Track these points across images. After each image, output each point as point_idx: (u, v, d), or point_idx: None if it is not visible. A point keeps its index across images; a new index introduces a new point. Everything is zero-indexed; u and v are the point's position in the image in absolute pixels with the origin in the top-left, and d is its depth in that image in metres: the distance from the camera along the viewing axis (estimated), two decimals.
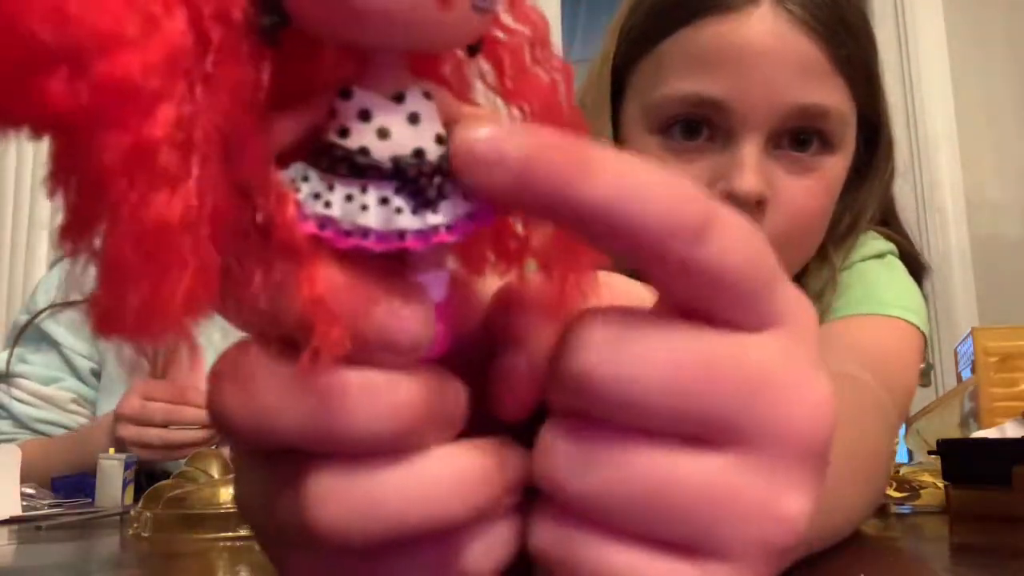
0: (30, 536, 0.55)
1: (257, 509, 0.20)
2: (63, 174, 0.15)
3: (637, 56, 0.59)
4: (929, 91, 1.88)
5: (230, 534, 0.47)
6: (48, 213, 1.83)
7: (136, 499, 0.59)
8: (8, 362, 1.07)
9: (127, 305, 0.15)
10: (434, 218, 0.17)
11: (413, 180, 0.17)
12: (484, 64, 0.19)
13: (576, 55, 3.90)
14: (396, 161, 0.17)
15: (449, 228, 0.17)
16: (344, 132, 0.17)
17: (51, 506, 0.71)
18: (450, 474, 0.18)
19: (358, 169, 0.17)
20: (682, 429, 0.18)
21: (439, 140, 0.17)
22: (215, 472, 0.53)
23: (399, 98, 0.17)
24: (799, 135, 0.56)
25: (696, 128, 0.56)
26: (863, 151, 0.64)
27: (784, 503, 0.18)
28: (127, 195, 0.15)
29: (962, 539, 0.46)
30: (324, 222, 0.17)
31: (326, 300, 0.16)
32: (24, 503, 0.67)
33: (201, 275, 0.15)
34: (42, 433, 1.05)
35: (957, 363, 0.92)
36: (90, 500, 0.75)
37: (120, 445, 0.88)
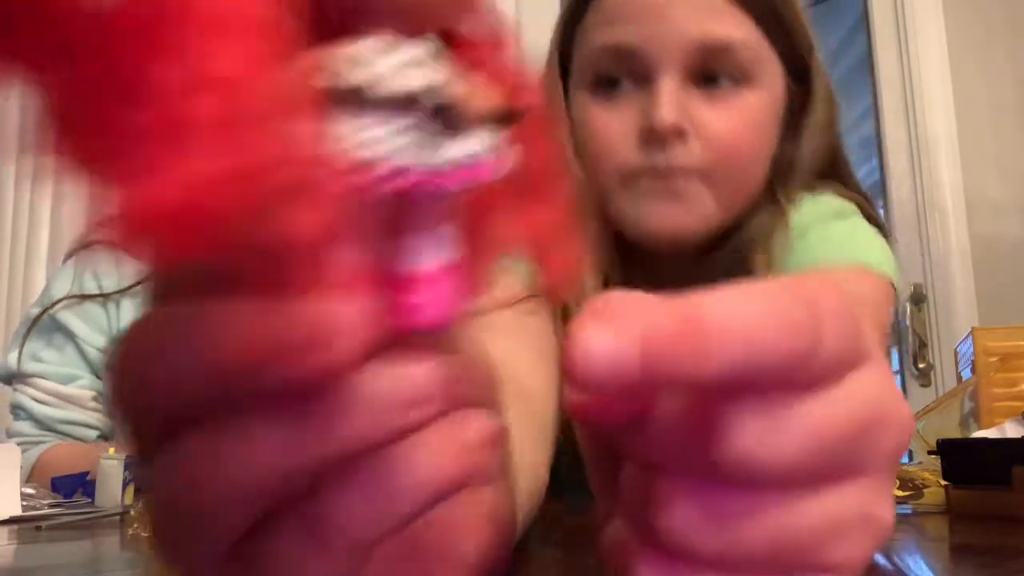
0: (30, 536, 0.55)
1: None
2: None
3: (571, 37, 0.66)
4: (929, 91, 1.88)
5: None
6: (48, 212, 1.83)
7: (136, 499, 0.59)
8: (19, 358, 1.06)
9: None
10: (471, 145, 0.16)
11: (443, 110, 0.16)
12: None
13: None
14: (427, 89, 0.16)
15: (480, 161, 0.17)
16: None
17: (51, 506, 0.71)
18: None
19: (390, 102, 0.16)
20: (813, 481, 0.19)
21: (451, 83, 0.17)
22: None
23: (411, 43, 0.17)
24: (712, 72, 0.60)
25: (617, 82, 0.62)
26: (799, 99, 0.67)
27: (882, 513, 0.20)
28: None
29: (962, 539, 0.46)
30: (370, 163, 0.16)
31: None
32: (24, 503, 0.67)
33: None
34: (65, 434, 1.03)
35: (957, 363, 0.92)
36: (90, 500, 0.75)
37: None
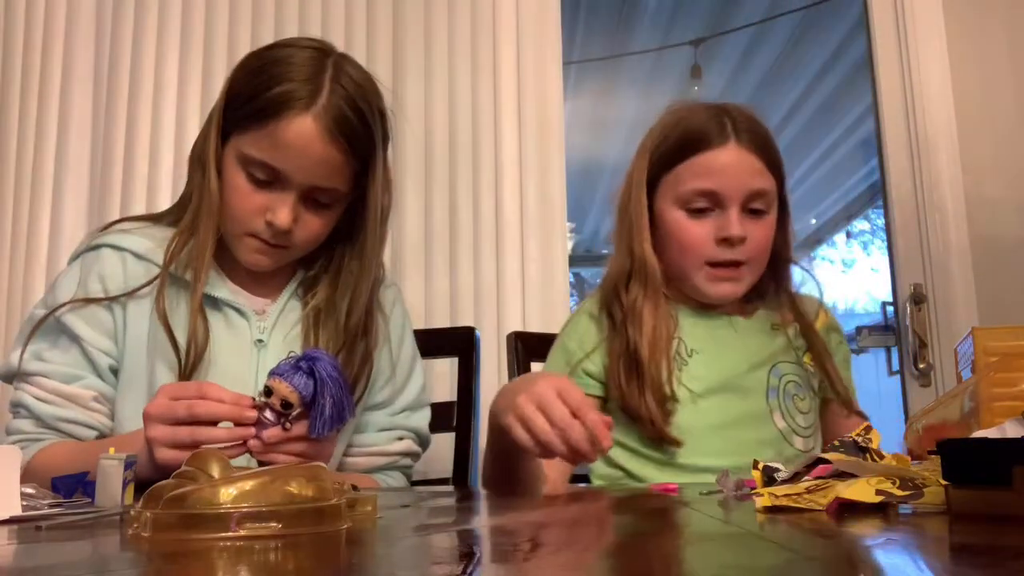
0: (30, 536, 0.55)
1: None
2: None
3: (666, 168, 1.17)
4: (929, 92, 1.88)
5: (230, 534, 0.47)
6: (48, 213, 1.82)
7: (136, 499, 0.59)
8: (21, 357, 1.05)
9: None
10: None
11: None
12: None
13: (576, 55, 3.91)
14: None
15: None
16: None
17: (51, 506, 0.71)
18: None
19: None
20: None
21: None
22: (215, 472, 0.52)
23: None
24: (753, 206, 1.15)
25: (702, 210, 1.15)
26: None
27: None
28: None
29: (962, 539, 0.46)
30: None
31: None
32: (24, 503, 0.67)
33: None
34: (66, 433, 1.03)
35: (957, 363, 0.92)
36: (90, 500, 0.75)
37: (151, 446, 0.86)
